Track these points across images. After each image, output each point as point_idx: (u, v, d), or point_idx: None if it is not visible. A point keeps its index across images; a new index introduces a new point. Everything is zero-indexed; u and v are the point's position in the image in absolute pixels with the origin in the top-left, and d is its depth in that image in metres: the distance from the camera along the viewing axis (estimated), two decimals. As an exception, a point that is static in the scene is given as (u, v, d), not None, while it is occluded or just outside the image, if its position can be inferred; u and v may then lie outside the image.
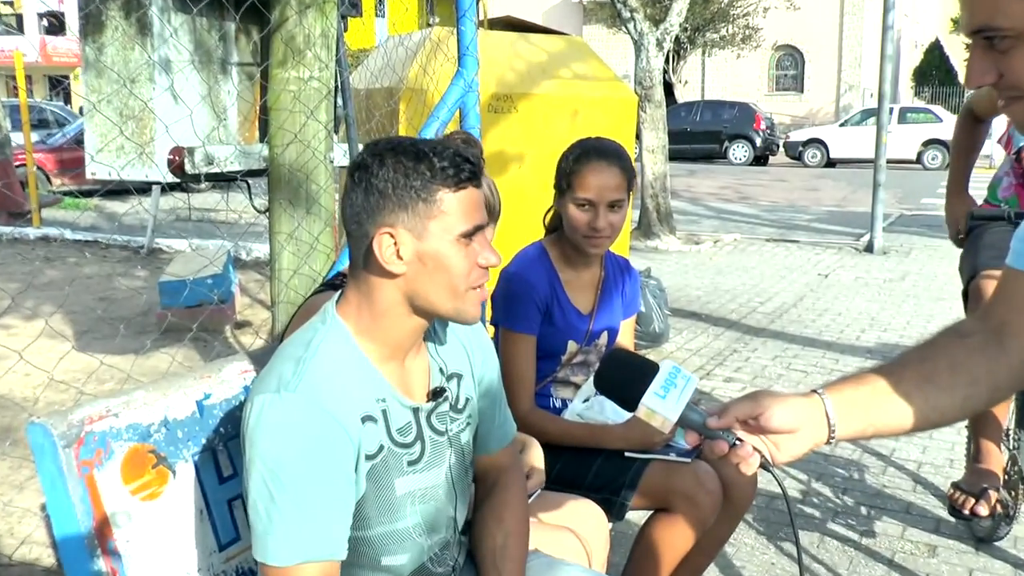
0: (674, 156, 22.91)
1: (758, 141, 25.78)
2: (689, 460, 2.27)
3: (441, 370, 1.62)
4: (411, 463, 1.53)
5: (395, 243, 1.43)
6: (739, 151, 25.99)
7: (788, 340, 6.18)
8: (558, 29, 6.76)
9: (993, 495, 2.93)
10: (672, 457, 2.28)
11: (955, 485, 3.06)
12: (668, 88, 31.19)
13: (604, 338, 2.50)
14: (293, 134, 2.97)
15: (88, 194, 13.80)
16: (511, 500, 1.76)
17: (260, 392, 1.41)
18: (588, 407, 2.43)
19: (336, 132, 3.31)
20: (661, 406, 1.26)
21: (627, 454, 2.29)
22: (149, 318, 6.57)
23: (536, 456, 2.12)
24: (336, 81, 3.23)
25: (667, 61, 31.80)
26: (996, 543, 3.25)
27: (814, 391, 1.28)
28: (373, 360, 1.48)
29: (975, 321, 1.38)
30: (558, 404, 2.47)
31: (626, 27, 10.33)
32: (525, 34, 6.03)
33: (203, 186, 12.69)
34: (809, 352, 5.80)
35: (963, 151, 3.22)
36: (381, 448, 1.48)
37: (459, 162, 1.45)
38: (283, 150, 2.99)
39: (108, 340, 5.96)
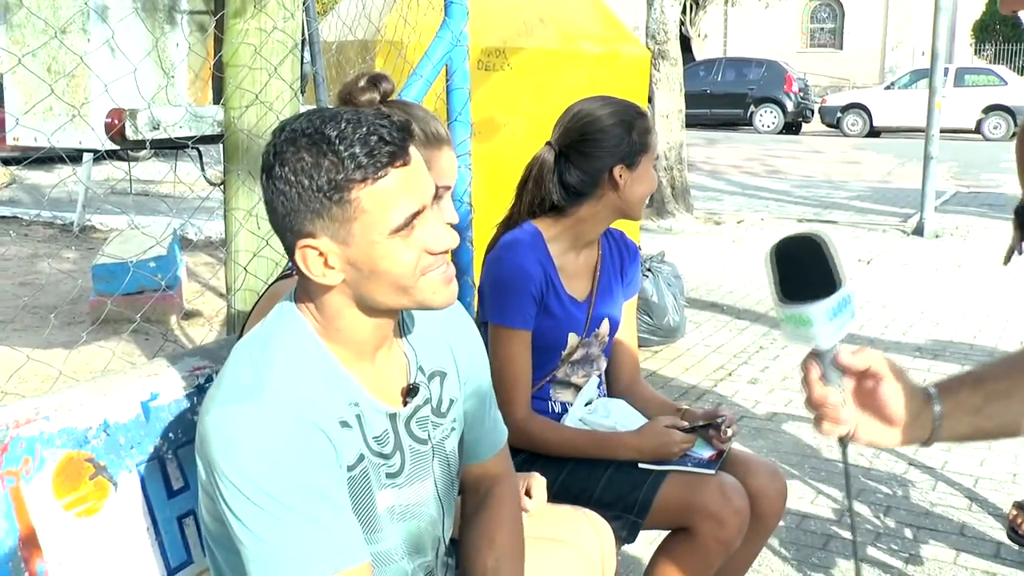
0: (691, 123, 22.95)
1: (789, 106, 25.79)
2: (713, 472, 2.29)
3: (420, 368, 1.63)
4: (390, 476, 1.55)
5: (320, 254, 1.42)
6: (767, 117, 26.00)
7: (823, 336, 6.20)
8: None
9: None
10: (693, 468, 2.30)
11: (1019, 505, 3.08)
12: (685, 43, 31.16)
13: (605, 327, 2.52)
14: (253, 94, 2.96)
15: (7, 162, 13.75)
16: (504, 516, 1.77)
17: (218, 404, 1.41)
18: (592, 411, 2.45)
19: (303, 92, 3.31)
20: (824, 324, 1.26)
21: (641, 465, 2.31)
22: (81, 307, 6.56)
23: (538, 489, 2.13)
24: (303, 33, 3.23)
25: (684, 12, 31.82)
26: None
27: (926, 389, 1.35)
28: (341, 361, 1.49)
29: None
30: (557, 408, 2.49)
31: (638, -28, 10.34)
32: (521, -21, 6.02)
33: (144, 154, 12.64)
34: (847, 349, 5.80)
35: None
36: (361, 458, 1.49)
37: (372, 143, 1.39)
38: (241, 113, 2.98)
39: (32, 332, 5.95)
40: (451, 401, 1.68)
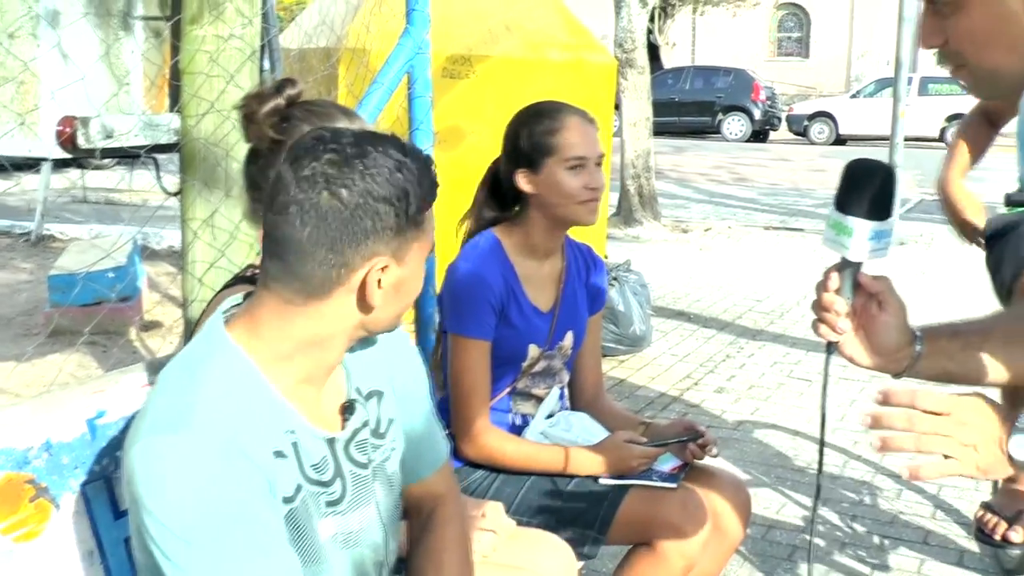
0: (659, 131, 23.02)
1: (757, 114, 25.97)
2: (675, 485, 2.26)
3: (357, 389, 1.59)
4: (331, 504, 1.50)
5: (382, 274, 1.40)
6: (735, 125, 26.16)
7: (789, 344, 6.22)
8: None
9: None
10: (655, 482, 2.27)
11: (986, 505, 3.10)
12: (653, 51, 31.31)
13: (568, 339, 2.49)
14: (210, 103, 2.92)
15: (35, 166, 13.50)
16: (449, 539, 1.73)
17: (143, 436, 1.34)
18: (553, 424, 2.42)
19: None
20: (861, 240, 1.42)
21: (601, 480, 2.28)
22: (35, 318, 6.47)
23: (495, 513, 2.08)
24: (262, 40, 3.19)
25: (652, 20, 31.96)
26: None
27: (913, 330, 1.52)
28: (279, 387, 1.43)
29: None
30: (517, 420, 2.45)
31: (604, -20, 10.35)
32: (486, -14, 6.00)
33: (108, 162, 12.49)
34: (813, 358, 5.84)
35: (971, 151, 3.27)
36: (299, 488, 1.44)
37: (427, 162, 1.43)
38: (198, 121, 2.93)
39: (-14, 344, 5.86)
40: (390, 421, 1.64)
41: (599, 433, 2.39)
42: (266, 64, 3.55)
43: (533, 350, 2.42)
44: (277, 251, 1.39)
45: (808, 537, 1.86)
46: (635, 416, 2.61)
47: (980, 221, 3.17)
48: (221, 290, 1.99)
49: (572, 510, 2.26)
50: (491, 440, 2.33)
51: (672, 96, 25.80)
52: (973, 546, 3.50)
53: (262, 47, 3.28)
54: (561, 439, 2.38)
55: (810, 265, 8.93)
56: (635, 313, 5.79)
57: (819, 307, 1.49)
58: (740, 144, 24.90)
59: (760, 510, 3.74)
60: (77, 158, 2.75)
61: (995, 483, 3.43)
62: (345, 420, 1.54)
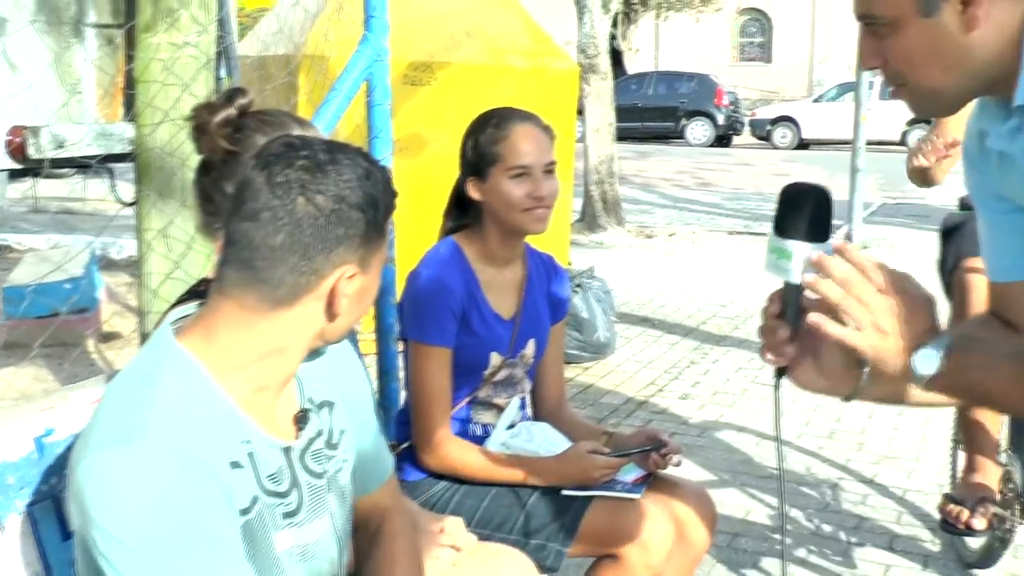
0: (623, 136, 23.00)
1: (720, 118, 26.11)
2: (637, 496, 2.25)
3: (310, 399, 1.57)
4: (288, 515, 1.47)
5: (349, 282, 1.39)
6: (698, 130, 26.29)
7: (753, 349, 6.22)
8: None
9: (990, 508, 3.01)
10: (617, 493, 2.25)
11: (948, 497, 3.16)
12: (616, 57, 31.39)
13: (530, 348, 2.47)
14: (164, 112, 2.88)
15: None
16: (398, 553, 1.71)
17: (94, 450, 1.30)
18: (515, 435, 2.40)
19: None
20: (801, 264, 1.40)
21: (564, 492, 2.26)
22: (-7, 331, 6.37)
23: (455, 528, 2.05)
24: (218, 47, 3.14)
25: (615, 25, 32.03)
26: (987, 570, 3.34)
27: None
28: (234, 397, 1.40)
29: (994, 314, 1.62)
30: (478, 431, 2.43)
31: (566, -15, 10.37)
32: (447, -8, 5.99)
33: (68, 172, 12.36)
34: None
35: None
36: (255, 500, 1.41)
37: (387, 172, 1.44)
38: (152, 130, 2.89)
39: (-58, 358, 5.76)
40: (342, 432, 1.61)
41: (561, 443, 2.37)
42: (223, 72, 3.50)
43: (495, 358, 2.40)
44: (243, 257, 1.36)
45: (781, 537, 1.87)
46: (598, 426, 2.60)
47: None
48: (174, 304, 1.95)
49: (535, 521, 2.24)
50: (453, 450, 2.31)
51: (636, 101, 25.88)
52: (938, 548, 3.55)
53: (218, 55, 3.23)
54: (523, 450, 2.36)
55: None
56: (599, 320, 5.78)
57: (764, 332, 1.48)
58: (704, 149, 25.00)
59: (727, 516, 3.75)
60: (29, 169, 2.69)
61: (953, 475, 3.48)
62: (299, 429, 1.52)
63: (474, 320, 2.36)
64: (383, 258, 1.46)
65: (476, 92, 5.58)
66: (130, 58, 2.91)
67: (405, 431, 2.42)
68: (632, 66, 31.85)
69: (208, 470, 1.32)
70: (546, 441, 2.37)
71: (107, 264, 8.24)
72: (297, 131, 1.87)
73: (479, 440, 2.40)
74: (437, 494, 2.34)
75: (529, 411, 2.58)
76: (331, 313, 1.40)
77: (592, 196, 10.70)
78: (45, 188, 11.88)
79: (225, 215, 1.40)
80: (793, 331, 1.44)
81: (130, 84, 2.93)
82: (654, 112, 26.20)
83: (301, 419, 1.52)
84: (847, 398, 1.50)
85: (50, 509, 1.68)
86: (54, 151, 2.69)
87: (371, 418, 1.73)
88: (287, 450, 1.48)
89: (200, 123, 1.82)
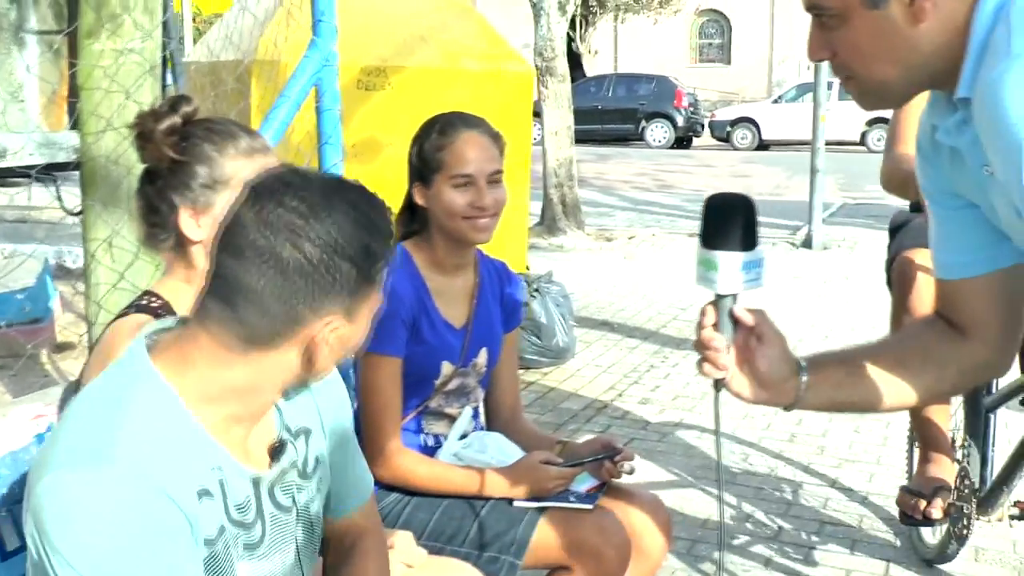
0: (583, 138, 22.99)
1: (680, 120, 26.23)
2: (591, 507, 2.23)
3: (287, 427, 1.52)
4: (249, 547, 1.43)
5: (332, 332, 1.35)
6: (658, 132, 26.39)
7: (714, 353, 6.25)
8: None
9: (946, 497, 3.04)
10: (570, 504, 2.23)
11: (904, 489, 3.19)
12: (575, 59, 31.47)
13: (483, 356, 2.45)
14: (108, 120, 2.84)
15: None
16: (371, 571, 1.69)
17: (58, 468, 1.25)
18: (467, 445, 2.38)
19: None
20: (727, 273, 1.44)
21: (516, 503, 2.24)
22: (-58, 343, 6.26)
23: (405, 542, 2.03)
24: (163, 53, 3.11)
25: (573, 27, 32.11)
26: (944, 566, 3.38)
27: (798, 360, 1.54)
28: (207, 426, 1.36)
29: (939, 314, 1.66)
30: (430, 441, 2.41)
31: (523, -12, 10.37)
32: (401, -4, 5.97)
33: (23, 181, 12.17)
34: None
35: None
36: (221, 530, 1.37)
37: (388, 213, 1.38)
38: (96, 139, 2.85)
39: None
40: (316, 460, 1.57)
41: (514, 454, 2.35)
42: (169, 79, 3.46)
43: (446, 367, 2.38)
44: (224, 294, 1.31)
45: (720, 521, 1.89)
46: (551, 436, 2.58)
47: None
48: (116, 317, 1.92)
49: (487, 534, 2.21)
50: (404, 461, 2.29)
51: (595, 104, 25.94)
52: (900, 549, 3.58)
53: (164, 61, 3.19)
54: (475, 460, 2.33)
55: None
56: (557, 325, 5.77)
57: (699, 345, 1.50)
58: (664, 151, 25.10)
59: (687, 520, 3.75)
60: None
61: (910, 470, 3.54)
62: (274, 460, 1.47)
63: (424, 328, 2.33)
64: (373, 305, 1.39)
65: (430, 96, 5.56)
66: (72, 65, 2.86)
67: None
68: (591, 68, 31.97)
69: (174, 501, 1.27)
70: (499, 451, 2.35)
71: (63, 273, 8.12)
72: (245, 140, 1.84)
73: (431, 451, 2.38)
74: (388, 506, 2.31)
75: (483, 421, 2.56)
76: (309, 362, 1.36)
77: (551, 199, 10.69)
78: (40, 195, 11.74)
79: (216, 244, 1.34)
80: (728, 343, 1.47)
81: (74, 92, 2.88)
82: (613, 114, 26.27)
83: (277, 450, 1.48)
84: (788, 408, 1.53)
85: (-13, 529, 1.65)
86: (-6, 161, 2.64)
87: (352, 441, 1.69)
88: (256, 481, 1.44)
89: (144, 131, 1.79)
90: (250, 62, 5.10)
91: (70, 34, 2.93)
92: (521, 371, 5.72)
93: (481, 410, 2.55)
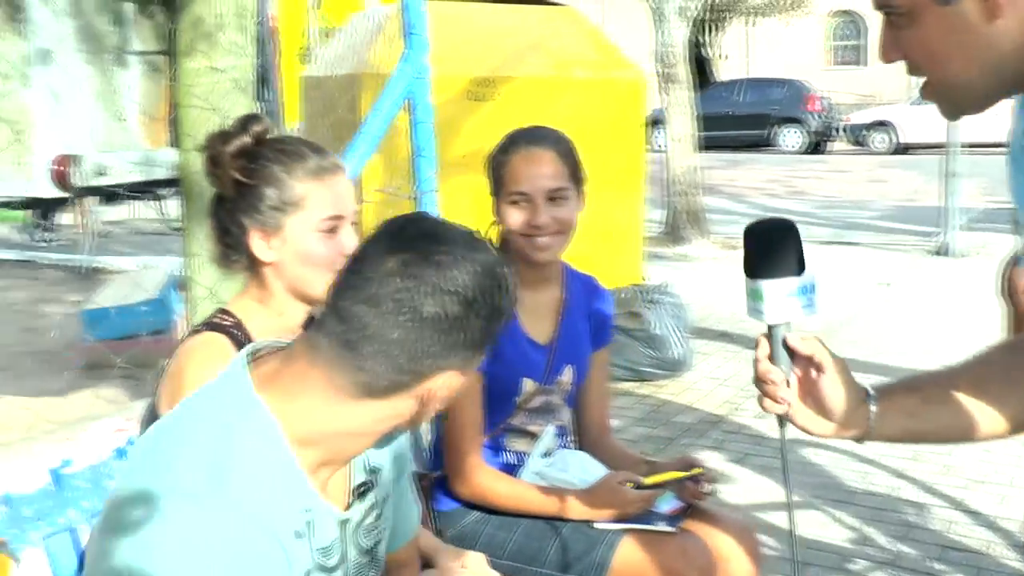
0: (713, 144, 22.75)
1: (813, 125, 25.62)
2: (674, 529, 2.16)
3: (365, 466, 1.48)
4: None
5: (447, 384, 1.32)
6: (790, 137, 25.83)
7: (836, 365, 6.05)
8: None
9: None
10: (652, 526, 2.17)
11: None
12: (704, 65, 31.11)
13: (568, 374, 2.40)
14: (204, 136, 2.91)
15: (28, 205, 13.69)
16: None
17: (164, 495, 1.22)
18: (549, 464, 2.33)
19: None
20: (774, 302, 1.40)
21: (596, 525, 2.18)
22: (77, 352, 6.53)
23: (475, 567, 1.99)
24: (258, 70, 3.16)
25: (703, 32, 31.75)
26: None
27: (865, 388, 1.45)
28: (302, 463, 1.32)
29: None
30: (512, 459, 2.37)
31: (642, -7, 10.28)
32: (511, 5, 5.97)
33: (166, 192, 12.62)
34: (862, 379, 5.65)
35: None
36: (308, 573, 1.34)
37: (513, 276, 1.36)
38: (192, 156, 2.91)
39: (28, 379, 5.92)
40: (385, 499, 1.53)
41: (597, 473, 2.29)
42: (265, 95, 3.52)
43: (528, 384, 2.33)
44: (349, 339, 1.27)
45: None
46: (639, 455, 2.50)
47: None
48: (190, 334, 1.94)
49: (567, 555, 2.16)
50: (483, 479, 2.25)
51: (725, 110, 25.54)
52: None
53: (260, 77, 3.25)
54: (557, 479, 2.29)
55: (863, 281, 8.73)
56: (671, 336, 5.68)
57: (758, 380, 1.43)
58: (796, 156, 24.55)
59: (798, 539, 3.63)
60: (73, 196, 2.72)
61: None
62: (354, 502, 1.44)
63: (505, 344, 2.29)
64: (483, 357, 1.37)
65: (539, 106, 5.54)
66: (171, 84, 2.93)
67: (439, 460, 2.37)
68: (723, 73, 31.54)
69: (278, 539, 1.26)
70: (581, 470, 2.30)
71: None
72: (314, 160, 1.84)
73: (513, 469, 2.34)
74: (469, 525, 2.29)
75: (569, 440, 2.51)
76: (420, 413, 1.34)
77: (675, 208, 10.56)
78: (142, 210, 12.18)
79: (336, 285, 1.31)
80: (786, 375, 1.41)
81: (173, 110, 2.95)
82: (744, 120, 25.80)
83: (361, 493, 1.45)
84: (859, 440, 1.44)
85: (66, 541, 1.68)
86: (96, 179, 2.72)
87: (407, 470, 1.65)
88: (344, 523, 1.41)
89: (213, 154, 1.80)
90: (360, 76, 5.16)
91: (169, 54, 3.00)
92: (635, 383, 5.66)
93: (569, 429, 2.50)
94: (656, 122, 14.69)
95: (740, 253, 6.00)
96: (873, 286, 8.47)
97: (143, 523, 1.21)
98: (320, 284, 1.81)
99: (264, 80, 3.24)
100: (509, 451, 2.37)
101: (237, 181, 1.79)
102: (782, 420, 1.44)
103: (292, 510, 1.30)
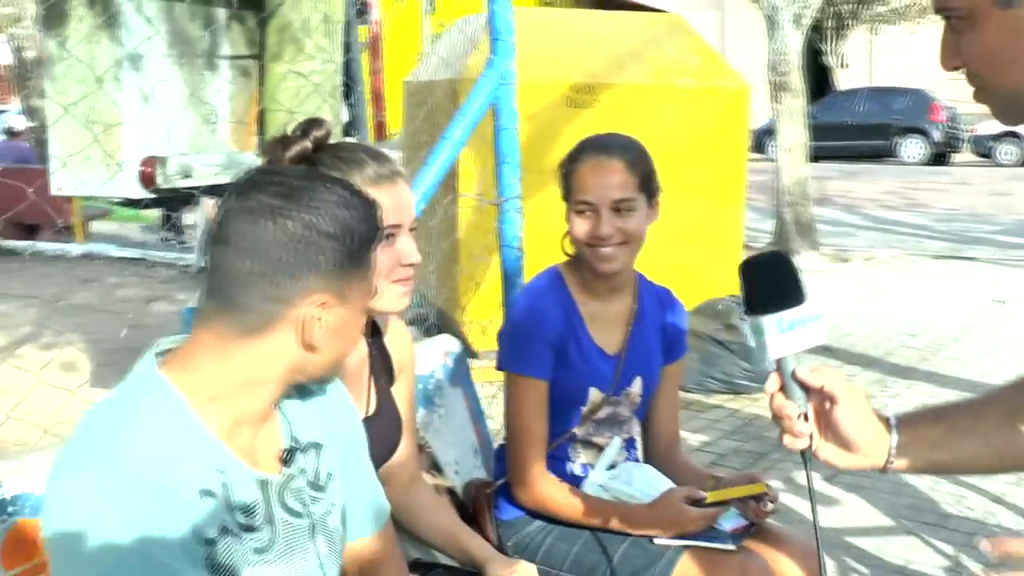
0: (831, 155, 22.26)
1: (936, 135, 24.87)
2: (734, 548, 2.11)
3: (295, 438, 1.52)
4: (259, 551, 1.42)
5: (325, 312, 1.36)
6: (912, 148, 25.12)
7: (940, 382, 5.86)
8: (684, 6, 6.63)
9: None
10: (713, 544, 2.11)
11: None
12: (823, 73, 30.48)
13: (637, 386, 2.36)
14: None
15: (134, 204, 14.17)
16: None
17: (66, 473, 1.30)
18: (613, 476, 2.29)
19: (347, 135, 3.25)
20: (775, 335, 1.36)
21: (656, 540, 2.14)
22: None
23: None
24: (344, 75, 3.19)
25: (823, 40, 31.12)
26: None
27: (887, 419, 1.42)
28: (212, 427, 1.38)
29: None
30: (577, 470, 2.34)
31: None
32: (613, 12, 5.93)
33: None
34: (963, 397, 5.46)
35: None
36: (224, 531, 1.37)
37: (373, 206, 1.42)
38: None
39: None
40: (329, 475, 1.56)
41: (661, 487, 2.24)
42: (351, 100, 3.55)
43: (594, 394, 2.30)
44: (217, 284, 1.36)
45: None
46: (706, 472, 2.45)
47: None
48: None
49: (625, 570, 2.13)
50: (544, 488, 2.23)
51: (845, 119, 24.97)
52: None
53: (346, 84, 3.28)
54: (620, 492, 2.25)
55: (977, 297, 8.43)
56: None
57: (775, 417, 1.39)
58: (918, 167, 23.88)
59: (882, 566, 3.51)
60: (161, 197, 2.79)
61: None
62: (285, 466, 1.48)
63: (572, 352, 2.27)
64: (366, 293, 1.42)
65: (640, 113, 5.49)
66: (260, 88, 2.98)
67: (502, 467, 2.36)
68: (844, 82, 30.86)
69: (175, 499, 1.30)
70: (646, 484, 2.25)
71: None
72: (372, 167, 1.85)
73: (577, 479, 2.31)
74: (531, 535, 2.27)
75: (640, 453, 2.47)
76: (306, 344, 1.37)
77: (785, 219, 10.37)
78: None
79: (206, 242, 1.40)
80: (801, 409, 1.37)
81: (263, 115, 3.01)
82: (864, 130, 25.17)
83: (287, 456, 1.49)
84: (883, 470, 1.40)
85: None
86: (181, 180, 2.78)
87: (364, 461, 1.68)
88: (264, 483, 1.44)
89: (273, 158, 1.82)
90: (460, 81, 5.19)
91: (259, 58, 3.05)
92: (729, 396, 5.56)
93: (637, 441, 2.46)
94: (771, 131, 14.48)
95: (848, 267, 5.94)
96: (987, 303, 8.17)
97: (44, 507, 1.31)
98: (380, 292, 1.81)
99: (349, 86, 3.27)
100: (574, 462, 2.34)
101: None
102: (804, 455, 1.39)
103: (200, 471, 1.34)
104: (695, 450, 4.80)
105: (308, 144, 1.82)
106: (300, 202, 1.34)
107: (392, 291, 1.83)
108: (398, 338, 2.06)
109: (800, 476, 4.37)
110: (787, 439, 1.38)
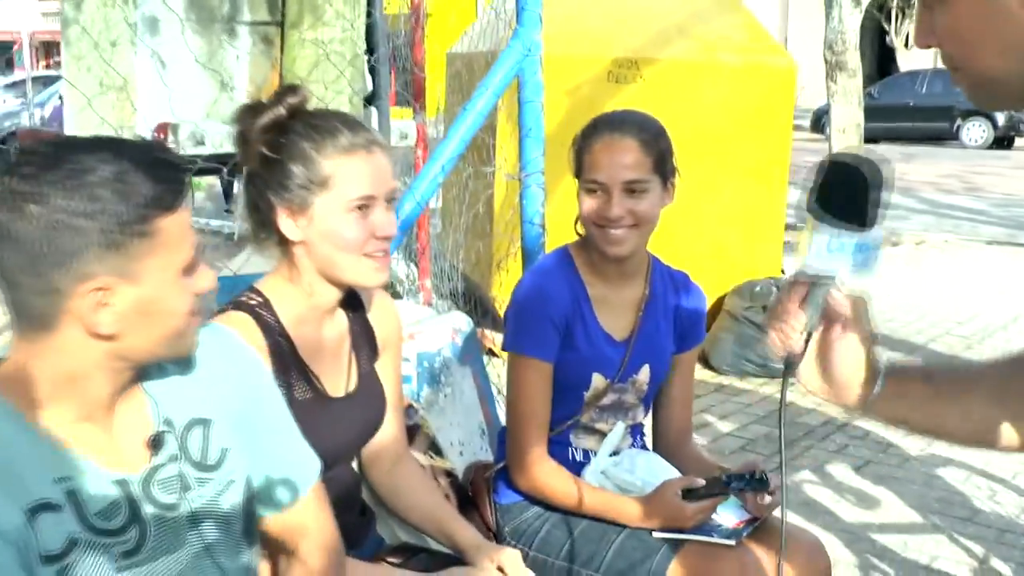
0: (894, 136, 21.82)
1: (1000, 119, 24.28)
2: (733, 542, 2.02)
3: (167, 420, 1.41)
4: (128, 554, 1.33)
5: (103, 298, 1.24)
6: (975, 131, 24.55)
7: (985, 374, 5.68)
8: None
9: None
10: (712, 538, 2.03)
11: None
12: (888, 53, 29.88)
13: (645, 373, 2.26)
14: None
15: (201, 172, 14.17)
16: (316, 572, 1.58)
17: None
18: (616, 463, 2.21)
19: (367, 105, 3.18)
20: (822, 248, 1.26)
21: (655, 534, 2.06)
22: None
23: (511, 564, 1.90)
24: (367, 43, 3.12)
25: (888, 21, 30.50)
26: None
27: (878, 367, 1.36)
28: (53, 429, 1.28)
29: None
30: (579, 456, 2.26)
31: (815, -22, 9.88)
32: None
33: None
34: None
35: None
36: (73, 543, 1.27)
37: (157, 164, 1.27)
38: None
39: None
40: (224, 451, 1.45)
41: (665, 476, 2.16)
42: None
43: (598, 380, 2.22)
44: (1, 284, 1.25)
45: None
46: (714, 464, 2.34)
47: None
48: (217, 312, 1.90)
49: (621, 562, 2.05)
50: (542, 472, 2.16)
51: (907, 100, 24.49)
52: None
53: (368, 50, 3.20)
54: (622, 479, 2.17)
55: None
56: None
57: (774, 315, 1.32)
58: (980, 151, 23.34)
59: (908, 562, 3.40)
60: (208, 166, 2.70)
61: None
62: (153, 455, 1.38)
63: (578, 335, 2.18)
64: (171, 263, 1.28)
65: (684, 90, 5.36)
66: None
67: (503, 450, 2.29)
68: (909, 62, 30.23)
69: None
70: (648, 473, 2.17)
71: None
72: (345, 137, 1.76)
73: (579, 466, 2.23)
74: (528, 520, 2.20)
75: (647, 441, 2.38)
76: (96, 334, 1.25)
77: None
78: None
79: None
80: (808, 327, 1.31)
81: (283, 82, 2.94)
82: (927, 112, 24.63)
83: (155, 443, 1.38)
84: (851, 411, 1.40)
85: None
86: (194, 147, 2.73)
87: (276, 425, 1.56)
88: (122, 482, 1.34)
89: (243, 128, 1.75)
90: (498, 53, 5.09)
91: (281, 24, 2.99)
92: (764, 380, 5.43)
93: (643, 429, 2.37)
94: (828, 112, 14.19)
95: (897, 250, 5.74)
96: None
97: None
98: (350, 266, 1.74)
99: (371, 53, 3.19)
100: (577, 448, 2.27)
101: (263, 155, 1.73)
102: (788, 364, 1.35)
103: (32, 485, 1.24)
104: (724, 435, 4.70)
105: (282, 111, 1.74)
106: (50, 183, 1.20)
107: (364, 265, 1.76)
108: (383, 313, 1.99)
109: (830, 468, 4.27)
110: (775, 338, 1.33)
